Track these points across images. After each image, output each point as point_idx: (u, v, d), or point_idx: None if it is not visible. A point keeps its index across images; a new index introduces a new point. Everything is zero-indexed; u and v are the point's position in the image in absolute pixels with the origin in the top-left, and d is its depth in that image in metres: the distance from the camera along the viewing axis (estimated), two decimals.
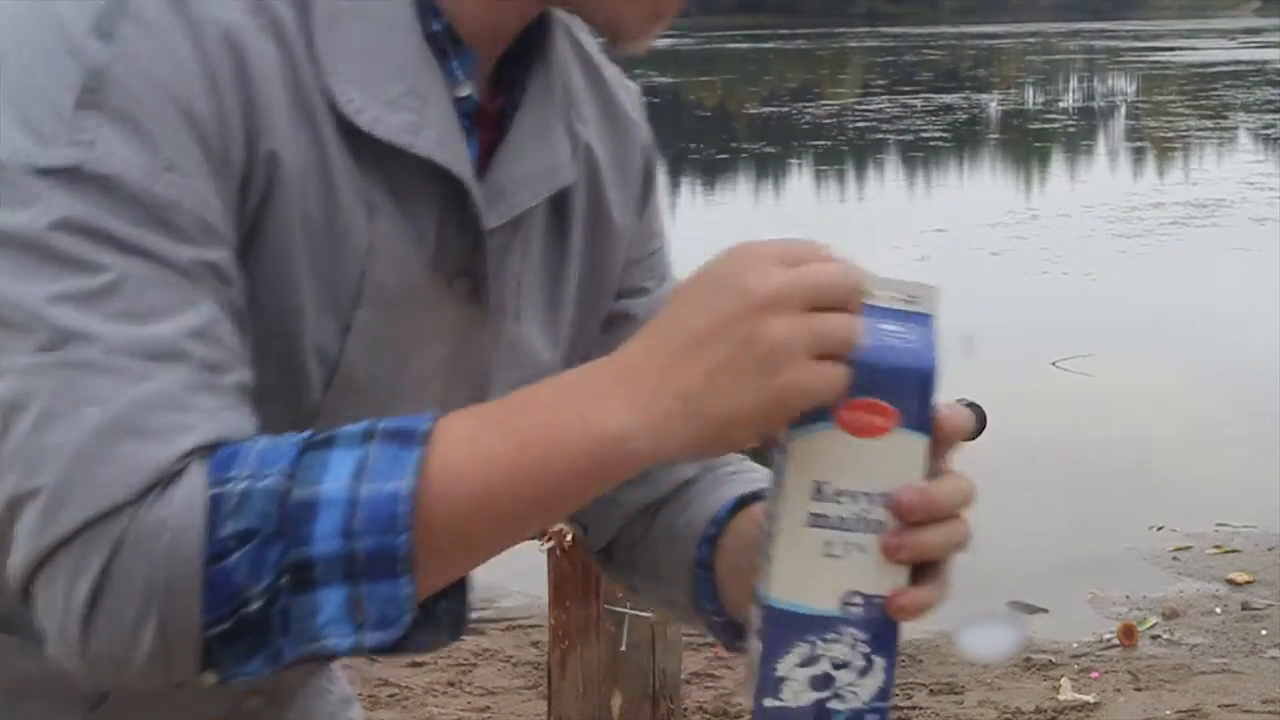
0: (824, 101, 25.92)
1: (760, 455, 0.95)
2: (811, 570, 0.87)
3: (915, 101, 24.39)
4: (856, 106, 24.18)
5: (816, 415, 0.85)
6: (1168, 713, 3.82)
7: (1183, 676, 4.04)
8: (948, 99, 24.90)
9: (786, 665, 0.89)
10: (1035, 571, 4.91)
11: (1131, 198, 13.59)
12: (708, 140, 20.24)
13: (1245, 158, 16.95)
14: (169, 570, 0.82)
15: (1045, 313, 8.99)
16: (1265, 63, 32.46)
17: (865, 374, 0.84)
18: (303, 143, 0.94)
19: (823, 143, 19.43)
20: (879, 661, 0.89)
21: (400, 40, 0.98)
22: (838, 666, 0.89)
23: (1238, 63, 33.00)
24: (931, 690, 3.98)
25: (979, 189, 15.46)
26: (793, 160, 18.31)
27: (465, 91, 1.02)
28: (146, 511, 0.82)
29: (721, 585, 1.10)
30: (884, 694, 0.89)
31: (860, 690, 0.89)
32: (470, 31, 1.02)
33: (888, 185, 15.87)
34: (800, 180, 16.76)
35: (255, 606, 0.83)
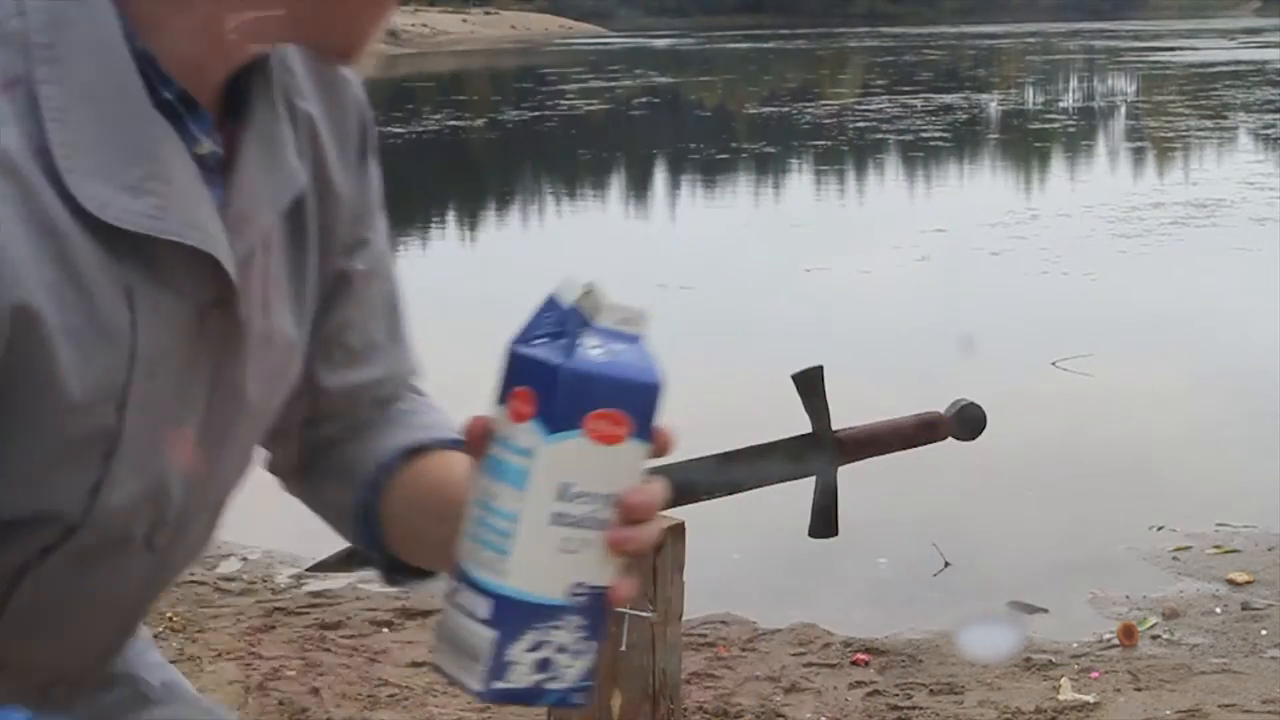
0: (824, 101, 25.92)
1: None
2: (549, 564, 0.96)
3: (915, 101, 24.38)
4: (856, 106, 24.17)
5: (566, 425, 0.94)
6: (1168, 713, 3.81)
7: (1183, 676, 4.03)
8: (948, 99, 24.90)
9: (516, 651, 0.96)
10: (1035, 571, 4.91)
11: (1131, 198, 13.59)
12: (708, 140, 20.23)
13: (1245, 158, 16.94)
14: None
15: (1045, 313, 8.99)
16: (1265, 63, 32.46)
17: (608, 389, 0.95)
18: (48, 271, 0.98)
19: (823, 143, 19.42)
20: (592, 645, 0.99)
21: (133, 118, 1.01)
22: (559, 650, 0.98)
23: (1238, 63, 33.00)
24: (931, 690, 3.98)
25: (979, 189, 15.46)
26: (793, 160, 18.31)
27: (205, 149, 1.07)
28: None
29: (385, 530, 1.22)
30: (591, 673, 1.00)
31: (573, 670, 0.99)
32: (197, 89, 1.06)
33: (888, 185, 15.86)
34: (800, 180, 16.75)
35: None
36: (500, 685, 0.97)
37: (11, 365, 0.98)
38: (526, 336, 0.99)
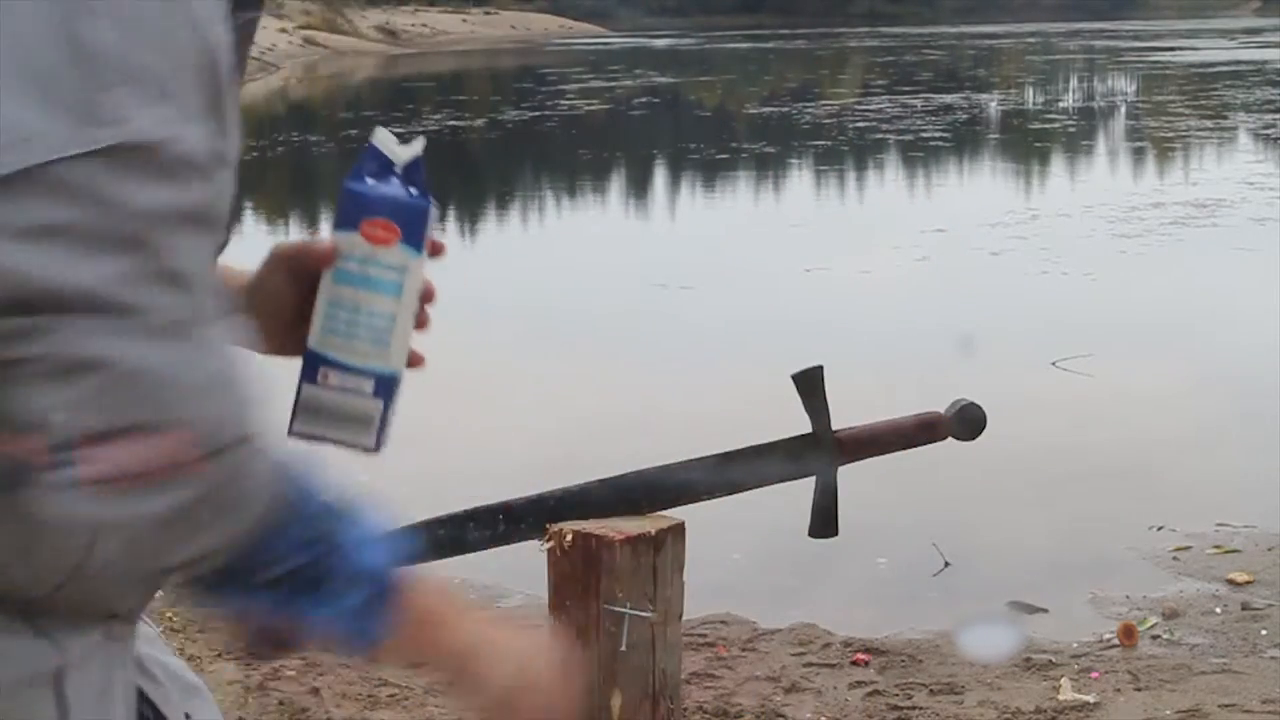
0: (824, 101, 25.92)
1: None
2: (407, 349, 1.29)
3: (915, 101, 24.39)
4: (856, 106, 24.18)
5: (419, 246, 1.25)
6: (1168, 713, 3.81)
7: (1183, 676, 4.03)
8: (948, 99, 24.90)
9: (390, 414, 1.26)
10: (1035, 571, 4.91)
11: (1132, 198, 13.59)
12: (708, 140, 20.23)
13: (1245, 158, 16.94)
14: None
15: (1045, 313, 8.99)
16: (1265, 63, 32.46)
17: (416, 212, 1.25)
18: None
19: (823, 143, 19.43)
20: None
21: None
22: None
23: (1238, 63, 33.00)
24: (931, 690, 3.98)
25: (979, 189, 15.46)
26: (793, 160, 18.31)
27: None
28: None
29: None
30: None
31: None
32: None
33: (888, 185, 15.87)
34: (800, 180, 16.75)
35: None
36: (385, 439, 1.26)
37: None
38: (360, 176, 1.25)
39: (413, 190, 1.26)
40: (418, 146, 1.28)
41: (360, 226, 1.24)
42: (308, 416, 1.26)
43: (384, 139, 1.26)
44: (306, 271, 1.27)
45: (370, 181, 1.25)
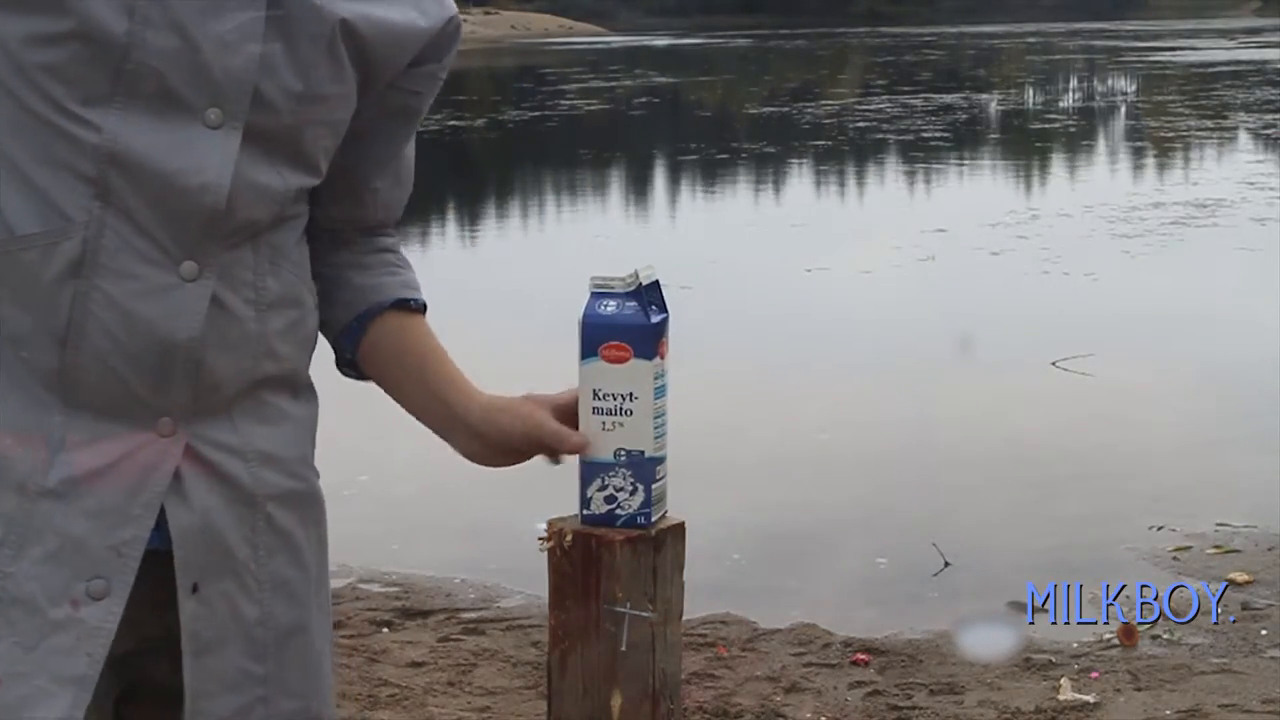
0: (824, 101, 25.92)
1: None
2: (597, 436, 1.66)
3: (915, 101, 24.39)
4: (856, 106, 24.18)
5: (589, 352, 1.63)
6: (1168, 713, 3.81)
7: (1183, 676, 4.03)
8: (948, 99, 24.90)
9: (591, 491, 1.68)
10: (1035, 571, 4.91)
11: (1132, 198, 13.59)
12: (708, 140, 20.23)
13: (1245, 158, 16.94)
14: None
15: (1045, 313, 8.99)
16: (1265, 63, 32.47)
17: (617, 330, 1.62)
18: None
19: (823, 143, 19.42)
20: (641, 487, 1.69)
21: None
22: (618, 490, 1.68)
23: (1238, 63, 33.00)
24: (931, 690, 3.98)
25: (979, 189, 15.46)
26: (793, 160, 18.31)
27: None
28: None
29: (361, 344, 1.68)
30: (646, 504, 1.72)
31: (632, 503, 1.71)
32: None
33: (888, 185, 15.86)
34: (800, 180, 16.75)
35: None
36: (585, 513, 1.70)
37: None
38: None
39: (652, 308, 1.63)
40: (652, 272, 1.65)
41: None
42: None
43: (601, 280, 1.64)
44: (543, 446, 1.66)
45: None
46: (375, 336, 1.67)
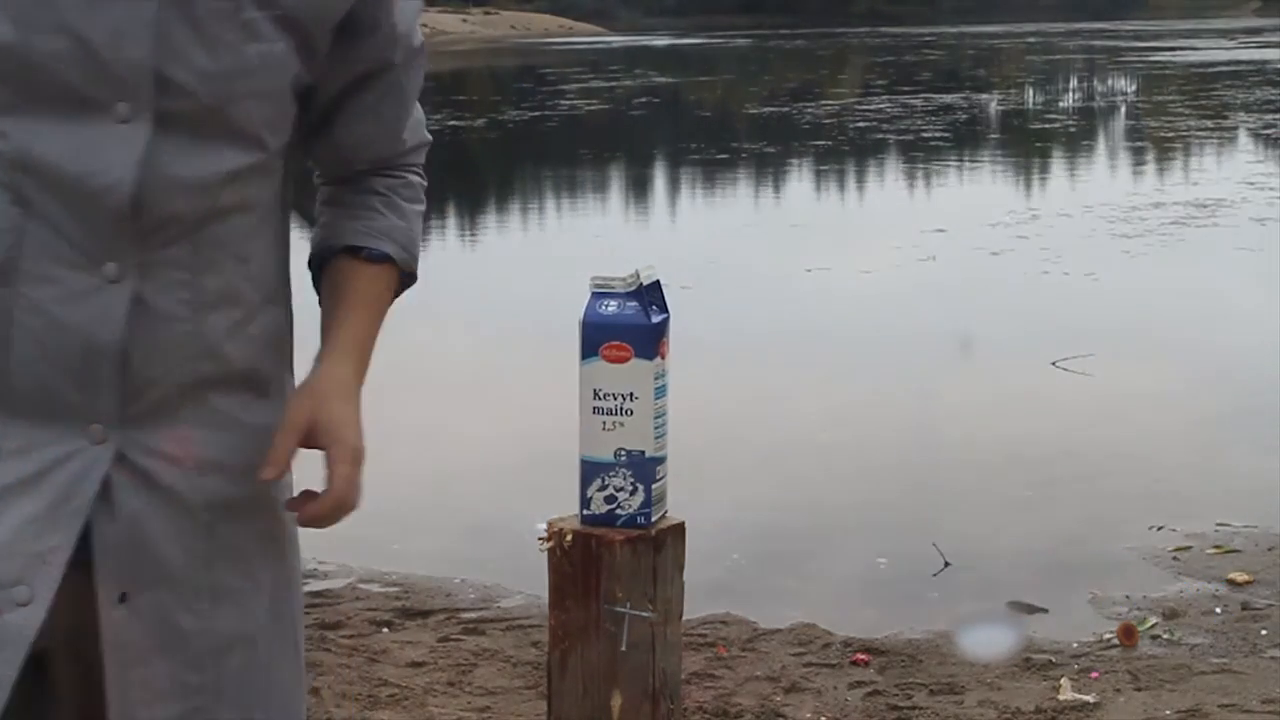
0: (824, 101, 25.92)
1: None
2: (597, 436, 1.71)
3: (915, 101, 24.39)
4: (856, 106, 24.18)
5: (589, 352, 1.69)
6: (1168, 713, 3.81)
7: (1183, 676, 4.03)
8: (948, 99, 24.91)
9: (591, 491, 1.70)
10: (1035, 571, 4.91)
11: (1132, 197, 13.59)
12: (708, 140, 20.23)
13: (1245, 158, 16.94)
14: None
15: (1045, 312, 8.99)
16: (1265, 63, 32.47)
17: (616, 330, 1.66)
18: None
19: (823, 143, 19.42)
20: (641, 487, 1.71)
21: None
22: (618, 490, 1.69)
23: (1238, 63, 33.00)
24: (931, 690, 3.98)
25: (979, 189, 15.46)
26: (793, 160, 18.31)
27: None
28: None
29: (323, 275, 1.65)
30: (646, 504, 1.73)
31: (632, 503, 1.71)
32: None
33: (888, 185, 15.87)
34: (800, 180, 16.75)
35: None
36: (585, 513, 1.75)
37: None
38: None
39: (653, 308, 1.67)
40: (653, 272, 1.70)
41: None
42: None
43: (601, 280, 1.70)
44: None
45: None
46: (325, 280, 1.64)
